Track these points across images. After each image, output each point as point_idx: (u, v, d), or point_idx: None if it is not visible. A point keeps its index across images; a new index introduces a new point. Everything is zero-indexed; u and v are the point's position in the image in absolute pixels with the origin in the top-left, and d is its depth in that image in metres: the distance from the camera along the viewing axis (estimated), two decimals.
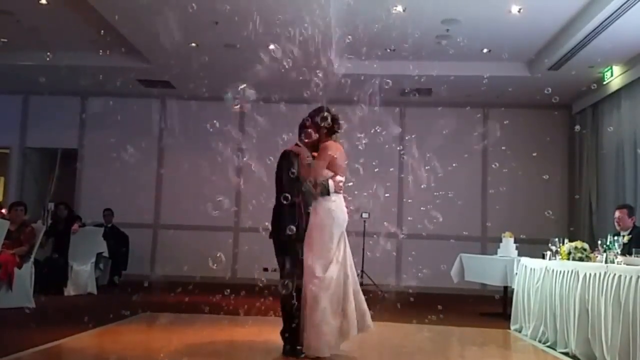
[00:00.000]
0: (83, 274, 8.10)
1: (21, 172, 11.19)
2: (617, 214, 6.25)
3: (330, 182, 4.31)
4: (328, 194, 4.31)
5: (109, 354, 4.51)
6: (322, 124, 4.36)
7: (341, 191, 4.40)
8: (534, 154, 9.98)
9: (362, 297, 4.33)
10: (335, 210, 4.31)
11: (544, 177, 8.93)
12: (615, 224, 6.21)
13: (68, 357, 4.57)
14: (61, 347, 4.63)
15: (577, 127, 9.31)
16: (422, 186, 9.12)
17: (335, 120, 4.41)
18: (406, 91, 8.45)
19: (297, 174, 4.31)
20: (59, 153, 11.58)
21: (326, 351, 4.15)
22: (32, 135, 11.15)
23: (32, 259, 6.82)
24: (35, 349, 4.39)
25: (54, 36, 8.39)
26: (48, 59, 8.44)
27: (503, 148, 10.54)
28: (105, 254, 8.89)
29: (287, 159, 4.41)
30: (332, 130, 4.41)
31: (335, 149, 4.38)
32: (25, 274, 6.60)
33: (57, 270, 7.94)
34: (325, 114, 4.37)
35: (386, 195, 9.67)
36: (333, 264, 4.22)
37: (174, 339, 5.13)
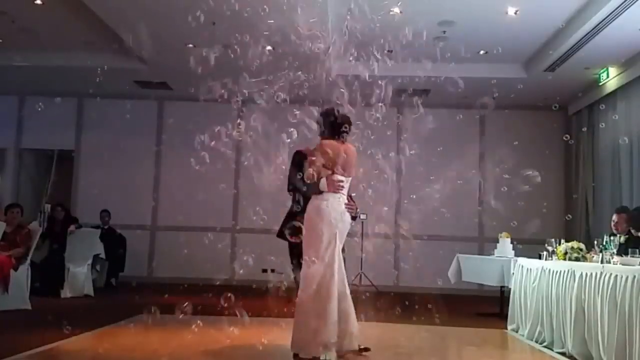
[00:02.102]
0: (80, 275, 8.08)
1: (17, 174, 11.16)
2: (615, 217, 6.23)
3: (323, 180, 4.26)
4: (318, 192, 4.27)
5: (106, 357, 4.50)
6: (323, 125, 4.36)
7: (339, 191, 4.31)
8: (531, 155, 10.02)
9: (351, 314, 4.19)
10: (325, 209, 4.23)
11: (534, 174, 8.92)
12: (613, 227, 6.20)
13: (64, 359, 4.55)
14: (57, 349, 4.61)
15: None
16: (420, 187, 9.17)
17: (336, 119, 4.37)
18: (403, 93, 8.46)
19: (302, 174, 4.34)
20: (55, 154, 11.55)
21: (303, 351, 4.10)
22: (28, 136, 11.12)
23: (28, 261, 6.80)
24: (31, 351, 4.37)
25: (49, 37, 8.37)
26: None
27: (500, 149, 10.57)
28: (102, 255, 8.87)
29: (295, 158, 4.47)
30: (334, 131, 4.37)
31: (333, 147, 4.29)
32: (22, 276, 6.58)
33: (54, 272, 7.92)
34: (331, 114, 4.38)
35: (384, 204, 9.69)
36: (317, 264, 4.13)
37: (172, 340, 5.12)
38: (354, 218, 4.50)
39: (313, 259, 4.15)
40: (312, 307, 4.09)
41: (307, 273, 4.14)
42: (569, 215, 7.92)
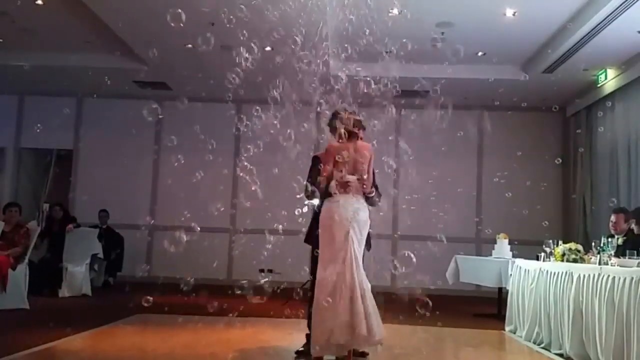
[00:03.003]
0: (78, 275, 8.07)
1: (16, 173, 11.16)
2: (613, 217, 6.23)
3: (332, 182, 4.23)
4: (329, 195, 4.25)
5: (103, 356, 4.50)
6: (333, 126, 4.35)
7: (349, 191, 4.22)
8: (529, 156, 10.04)
9: (370, 310, 4.06)
10: (336, 210, 4.19)
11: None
12: (611, 227, 6.20)
13: (62, 358, 4.55)
14: (55, 349, 4.61)
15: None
16: (418, 188, 9.18)
17: (339, 121, 4.31)
18: (400, 94, 8.47)
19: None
20: (54, 154, 11.55)
21: (315, 351, 4.08)
22: (27, 135, 11.12)
23: (26, 260, 6.80)
24: (29, 350, 4.37)
25: (49, 37, 8.38)
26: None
27: (498, 150, 10.60)
28: (100, 255, 8.87)
29: (313, 164, 4.47)
30: (338, 132, 4.31)
31: (340, 149, 4.25)
32: (20, 275, 6.57)
33: (52, 272, 7.92)
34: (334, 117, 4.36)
35: (382, 205, 9.69)
36: (333, 265, 4.11)
37: (169, 340, 5.13)
38: (368, 199, 4.36)
39: (328, 261, 4.14)
40: (327, 309, 4.05)
41: (322, 275, 4.14)
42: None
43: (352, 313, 4.02)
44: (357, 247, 4.19)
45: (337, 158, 4.24)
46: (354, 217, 4.21)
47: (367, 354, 4.46)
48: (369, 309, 4.06)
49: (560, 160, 9.29)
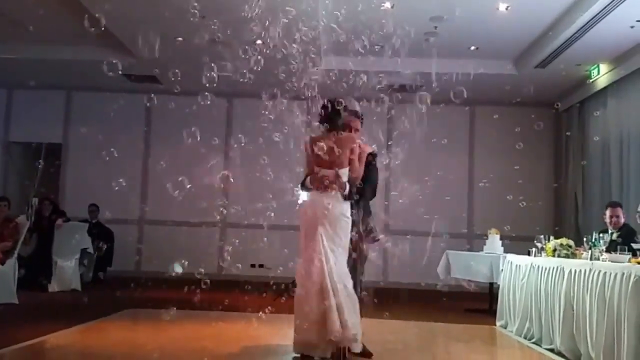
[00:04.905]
0: (67, 270, 8.02)
1: (5, 167, 11.06)
2: (609, 211, 6.17)
3: (308, 179, 4.20)
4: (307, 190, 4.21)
5: (93, 351, 4.47)
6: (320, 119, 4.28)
7: (325, 188, 4.12)
8: (521, 151, 10.04)
9: (343, 305, 3.94)
10: (308, 207, 4.17)
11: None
12: (609, 223, 6.14)
13: (51, 353, 4.52)
14: (44, 343, 4.58)
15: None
16: (409, 183, 9.16)
17: (326, 112, 4.23)
18: (393, 88, 8.45)
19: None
20: (43, 148, 11.44)
21: (294, 348, 4.07)
22: (15, 129, 11.01)
23: (15, 255, 6.74)
24: (17, 345, 4.34)
25: (38, 29, 8.27)
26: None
27: (490, 145, 10.60)
28: (90, 250, 8.81)
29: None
30: (325, 123, 4.24)
31: (314, 141, 4.18)
32: (9, 270, 6.52)
33: (41, 266, 7.85)
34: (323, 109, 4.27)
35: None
36: (305, 262, 4.06)
37: (159, 335, 5.10)
38: (348, 198, 4.18)
39: (301, 257, 4.11)
40: (303, 306, 4.00)
41: (297, 272, 4.10)
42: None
43: (321, 310, 3.91)
44: (327, 244, 4.05)
45: (315, 150, 4.15)
46: (324, 213, 4.08)
47: (372, 355, 4.32)
48: (341, 305, 3.94)
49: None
